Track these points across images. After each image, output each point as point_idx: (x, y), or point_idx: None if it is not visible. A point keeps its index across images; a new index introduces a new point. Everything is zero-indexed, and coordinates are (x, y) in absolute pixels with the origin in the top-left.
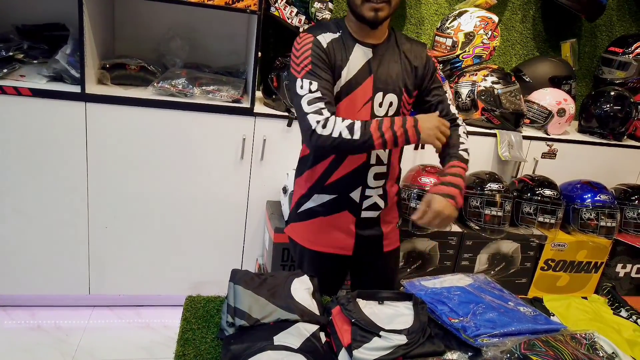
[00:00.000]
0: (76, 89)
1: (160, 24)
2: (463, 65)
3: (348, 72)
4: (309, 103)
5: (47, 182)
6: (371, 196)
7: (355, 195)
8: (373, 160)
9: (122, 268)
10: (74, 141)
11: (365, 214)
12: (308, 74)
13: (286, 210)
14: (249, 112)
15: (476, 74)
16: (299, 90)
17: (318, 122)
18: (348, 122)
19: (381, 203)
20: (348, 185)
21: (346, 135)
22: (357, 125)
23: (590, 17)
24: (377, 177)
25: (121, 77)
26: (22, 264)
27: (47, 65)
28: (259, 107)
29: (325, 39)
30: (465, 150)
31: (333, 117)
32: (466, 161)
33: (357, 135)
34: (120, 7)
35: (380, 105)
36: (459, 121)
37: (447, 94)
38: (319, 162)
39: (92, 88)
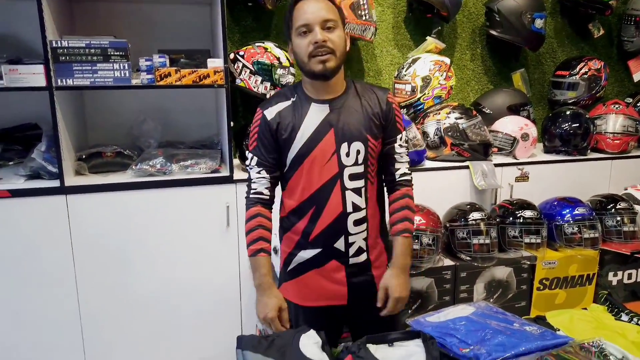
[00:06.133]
0: (55, 183)
1: (130, 109)
2: (425, 107)
3: (304, 133)
4: (250, 176)
5: (34, 281)
6: (355, 242)
7: (340, 244)
8: (350, 209)
9: (120, 357)
10: (57, 235)
11: (353, 260)
12: (255, 149)
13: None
14: (229, 180)
15: (439, 113)
16: (247, 161)
17: (245, 197)
18: (250, 214)
19: (364, 245)
20: (331, 237)
21: (245, 221)
22: (248, 224)
23: (532, 47)
24: (356, 223)
25: (98, 166)
26: None
27: (24, 164)
28: (238, 174)
29: (273, 111)
30: (407, 218)
31: (251, 199)
32: (408, 229)
33: (245, 229)
34: (89, 98)
35: (348, 154)
36: (405, 177)
37: (401, 149)
38: (299, 220)
39: (70, 180)
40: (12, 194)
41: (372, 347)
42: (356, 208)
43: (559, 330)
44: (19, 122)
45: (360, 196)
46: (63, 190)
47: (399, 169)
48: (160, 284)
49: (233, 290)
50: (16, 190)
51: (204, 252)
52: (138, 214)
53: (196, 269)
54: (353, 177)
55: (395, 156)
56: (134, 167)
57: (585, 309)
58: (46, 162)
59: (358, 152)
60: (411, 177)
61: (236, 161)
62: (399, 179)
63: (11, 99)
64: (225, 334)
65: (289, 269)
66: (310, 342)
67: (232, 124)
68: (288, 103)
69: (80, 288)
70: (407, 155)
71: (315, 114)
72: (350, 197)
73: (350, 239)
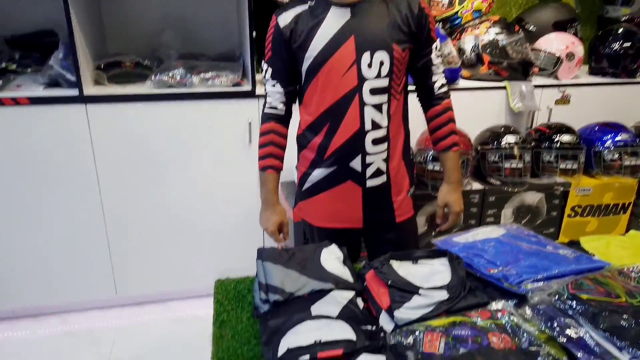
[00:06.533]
0: (74, 92)
1: (150, 18)
2: (463, 21)
3: (319, 40)
4: (266, 89)
5: (57, 188)
6: (372, 162)
7: (356, 164)
8: (368, 126)
9: (145, 265)
10: (79, 144)
11: (370, 183)
12: (269, 59)
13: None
14: (251, 94)
15: (478, 28)
16: (262, 72)
17: (262, 111)
18: (264, 129)
19: (384, 167)
20: (347, 155)
21: (259, 136)
22: (261, 139)
23: None
24: (375, 142)
25: (117, 76)
26: (46, 273)
27: (42, 72)
28: (260, 89)
29: (287, 17)
30: (453, 132)
31: (266, 114)
32: (456, 143)
33: (259, 142)
34: (107, 6)
35: (370, 65)
36: (443, 89)
37: (437, 59)
38: (315, 136)
39: (89, 89)
40: (31, 102)
41: (395, 264)
42: (376, 126)
43: (594, 255)
44: (36, 29)
45: (382, 113)
46: (82, 99)
47: (436, 81)
48: (181, 197)
49: (255, 206)
50: (35, 98)
51: (225, 167)
52: (158, 126)
53: (218, 183)
54: (375, 91)
55: (433, 67)
56: (153, 78)
57: (623, 235)
58: (64, 70)
59: (382, 63)
60: (448, 88)
61: (259, 76)
62: (438, 91)
63: (26, 3)
64: (246, 248)
65: (303, 188)
66: (331, 257)
67: (254, 34)
68: (305, 7)
69: (104, 197)
70: (442, 65)
71: (334, 19)
72: (370, 113)
73: (368, 158)
